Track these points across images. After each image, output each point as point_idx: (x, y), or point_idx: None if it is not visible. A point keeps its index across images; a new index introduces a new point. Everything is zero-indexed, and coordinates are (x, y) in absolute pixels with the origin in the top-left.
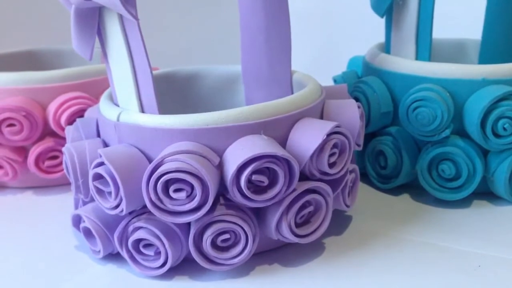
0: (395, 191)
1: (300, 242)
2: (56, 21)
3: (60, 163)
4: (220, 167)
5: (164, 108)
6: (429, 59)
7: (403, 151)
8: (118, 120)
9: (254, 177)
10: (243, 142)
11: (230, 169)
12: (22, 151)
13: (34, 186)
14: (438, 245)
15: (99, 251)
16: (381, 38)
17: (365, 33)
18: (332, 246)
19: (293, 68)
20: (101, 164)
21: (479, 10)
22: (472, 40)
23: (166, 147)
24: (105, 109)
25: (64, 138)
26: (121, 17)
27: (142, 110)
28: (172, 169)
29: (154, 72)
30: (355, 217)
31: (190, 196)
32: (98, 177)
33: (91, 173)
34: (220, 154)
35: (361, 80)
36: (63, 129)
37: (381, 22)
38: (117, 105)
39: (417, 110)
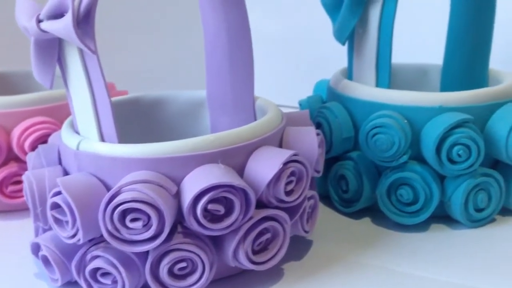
0: (357, 214)
1: (257, 269)
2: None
3: (23, 189)
4: (177, 196)
5: (130, 133)
6: (389, 86)
7: (364, 176)
8: (77, 148)
9: (210, 206)
10: (200, 171)
11: (187, 198)
12: None
13: None
14: (396, 270)
15: (57, 280)
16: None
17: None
18: (291, 272)
19: (263, 92)
20: (59, 193)
21: (442, 35)
22: (434, 65)
23: (124, 176)
24: (65, 137)
25: None
26: (80, 48)
27: (102, 139)
28: (129, 199)
29: (120, 97)
30: (316, 241)
31: (147, 226)
32: (56, 206)
33: (49, 202)
34: (178, 183)
35: (323, 106)
36: (26, 154)
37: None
38: (78, 133)
39: (376, 136)
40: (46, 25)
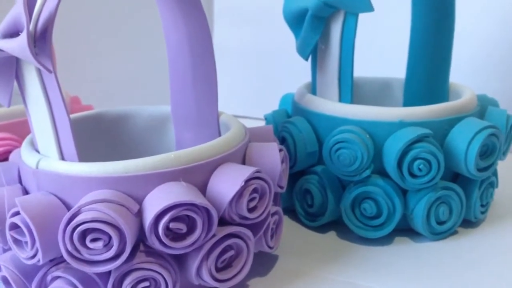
0: (322, 228)
1: (221, 287)
2: None
3: None
4: (139, 214)
5: (94, 149)
6: (351, 101)
7: (328, 190)
8: (37, 167)
9: (172, 224)
10: (161, 189)
11: (148, 217)
12: None
13: None
14: (361, 285)
15: None
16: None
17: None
18: (256, 287)
19: (231, 104)
20: (18, 213)
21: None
22: (397, 79)
23: (85, 195)
24: (25, 155)
25: None
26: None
27: (62, 158)
28: (89, 219)
29: (83, 113)
30: (281, 256)
31: (108, 245)
32: (15, 226)
33: (8, 222)
34: (139, 201)
35: (288, 121)
36: None
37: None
38: (38, 151)
39: (339, 151)
40: (1, 43)
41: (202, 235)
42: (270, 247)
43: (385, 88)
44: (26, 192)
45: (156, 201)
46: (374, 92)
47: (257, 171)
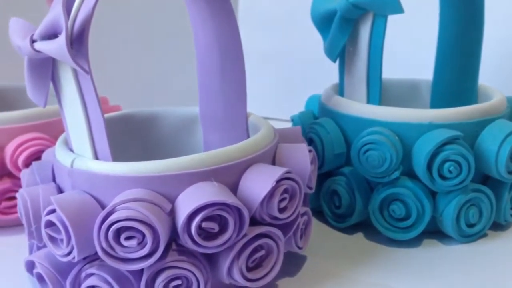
0: (349, 229)
1: (252, 286)
2: (17, 57)
3: (16, 205)
4: (172, 214)
5: (123, 149)
6: (379, 102)
7: (356, 191)
8: (72, 166)
9: (204, 224)
10: (193, 189)
11: (181, 216)
12: None
13: None
14: (390, 286)
15: None
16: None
17: (326, 71)
18: (285, 287)
19: (256, 106)
20: (54, 211)
21: (433, 50)
22: (424, 80)
23: (119, 194)
24: (60, 154)
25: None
26: (74, 68)
27: (96, 157)
28: (123, 218)
29: (114, 113)
30: (310, 257)
31: (141, 244)
32: (50, 224)
33: (43, 220)
34: (172, 200)
35: (315, 122)
36: (20, 171)
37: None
38: (72, 150)
39: (368, 153)
40: (40, 45)
41: (234, 234)
42: (299, 248)
43: (412, 89)
44: (60, 190)
45: (189, 200)
46: (400, 94)
47: (288, 172)
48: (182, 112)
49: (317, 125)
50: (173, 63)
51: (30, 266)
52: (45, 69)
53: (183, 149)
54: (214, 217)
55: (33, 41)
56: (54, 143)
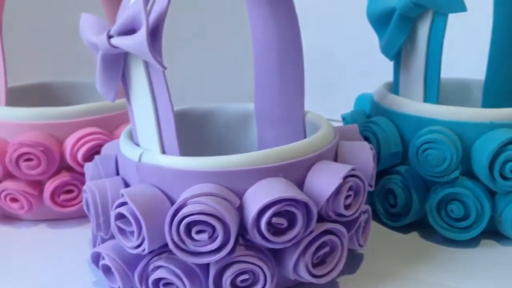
0: (404, 229)
1: (317, 282)
2: (69, 53)
3: (75, 197)
4: (240, 209)
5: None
6: (437, 101)
7: (412, 190)
8: (140, 160)
9: (274, 219)
10: (263, 185)
11: (251, 211)
12: (38, 184)
13: (47, 219)
14: (451, 286)
15: None
16: (385, 75)
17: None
18: (346, 285)
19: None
20: (124, 204)
21: (483, 50)
22: (476, 80)
23: (187, 188)
24: (126, 148)
25: (79, 173)
26: (146, 63)
27: (163, 151)
28: (195, 212)
29: None
30: (366, 255)
31: (212, 237)
32: (120, 216)
33: (113, 212)
34: (240, 196)
35: (370, 120)
36: (79, 164)
37: (383, 59)
38: (137, 144)
39: (427, 152)
40: (117, 40)
41: (302, 230)
42: (360, 245)
43: (462, 89)
44: (126, 184)
45: (259, 195)
46: (451, 93)
47: (353, 169)
48: (236, 108)
49: (373, 124)
50: (227, 60)
51: (96, 257)
52: (117, 65)
53: (236, 145)
54: (283, 213)
55: (109, 37)
56: (110, 138)
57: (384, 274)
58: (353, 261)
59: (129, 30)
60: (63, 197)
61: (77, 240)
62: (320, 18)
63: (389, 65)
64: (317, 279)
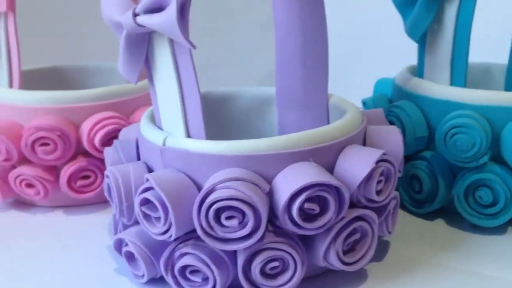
0: (429, 216)
1: (347, 270)
2: (80, 37)
3: (92, 183)
4: (269, 194)
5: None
6: (465, 85)
7: (439, 176)
8: (164, 144)
9: (306, 205)
10: (293, 169)
11: (282, 197)
12: (54, 170)
13: (63, 206)
14: (483, 274)
15: (143, 276)
16: (403, 59)
17: (382, 55)
18: (375, 273)
19: None
20: (149, 189)
21: (507, 34)
22: (497, 64)
23: (214, 173)
24: (149, 132)
25: (96, 158)
26: (171, 43)
27: (188, 135)
28: (225, 197)
29: None
30: (393, 242)
31: (242, 224)
32: (145, 202)
33: (138, 198)
34: (269, 181)
35: (394, 105)
36: (96, 149)
37: (398, 44)
38: (160, 128)
39: (455, 136)
40: (143, 19)
41: (333, 216)
42: (389, 232)
43: (484, 73)
44: (149, 169)
45: (290, 180)
46: (472, 77)
47: (384, 153)
48: (255, 92)
49: (397, 108)
50: (246, 43)
51: (119, 244)
52: (141, 45)
53: (255, 130)
54: (314, 198)
55: (135, 15)
56: (126, 122)
57: (413, 262)
58: (380, 248)
59: (156, 8)
60: (80, 182)
61: (94, 226)
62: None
63: (405, 49)
64: (348, 267)
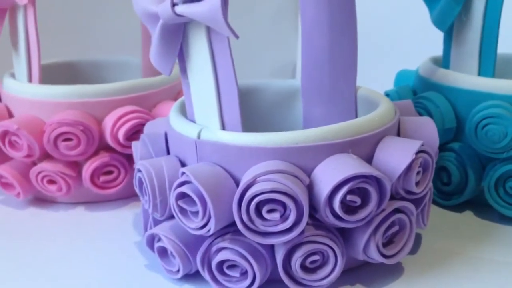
0: (457, 208)
1: (387, 262)
2: (95, 32)
3: (115, 179)
4: (309, 186)
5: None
6: (493, 75)
7: (468, 168)
8: (199, 137)
9: (348, 197)
10: (333, 161)
11: (324, 189)
12: (76, 166)
13: (85, 202)
14: None
15: (178, 271)
16: (420, 51)
17: (399, 47)
18: (410, 266)
19: None
20: (185, 183)
21: None
22: None
23: (251, 166)
24: (181, 125)
25: (119, 153)
26: (208, 33)
27: (223, 127)
28: (267, 190)
29: None
30: (424, 235)
31: (283, 217)
32: (181, 196)
33: (174, 192)
34: (308, 173)
35: (422, 96)
36: (120, 144)
37: (416, 36)
38: (192, 121)
39: (487, 127)
40: (183, 8)
41: (375, 208)
42: (424, 224)
43: (504, 64)
44: (181, 162)
45: (331, 172)
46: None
47: (422, 144)
48: (280, 85)
49: (424, 99)
50: (257, 36)
51: (151, 239)
52: (177, 35)
53: (279, 123)
54: (355, 190)
55: (174, 5)
56: (149, 116)
57: (447, 254)
58: (414, 242)
59: None
60: (102, 178)
61: (118, 222)
62: None
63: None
64: (388, 260)
